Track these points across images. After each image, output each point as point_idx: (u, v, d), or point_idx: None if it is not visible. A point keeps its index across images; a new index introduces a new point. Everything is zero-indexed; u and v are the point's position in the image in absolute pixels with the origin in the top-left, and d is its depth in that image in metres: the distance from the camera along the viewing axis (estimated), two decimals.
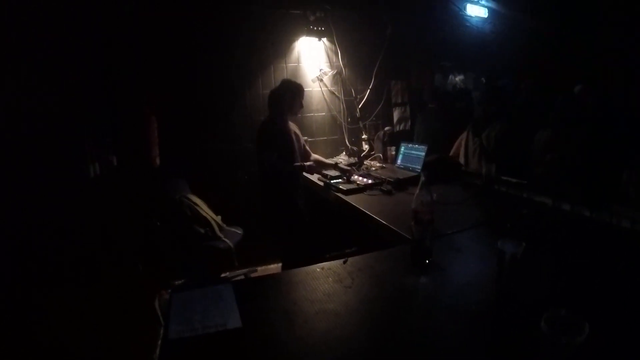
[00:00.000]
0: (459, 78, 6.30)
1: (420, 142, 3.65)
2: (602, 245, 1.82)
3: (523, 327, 1.15)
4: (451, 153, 3.85)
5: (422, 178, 1.57)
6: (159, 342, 1.23)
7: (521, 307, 1.27)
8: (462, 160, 3.60)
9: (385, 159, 4.07)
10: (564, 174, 2.76)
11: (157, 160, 3.56)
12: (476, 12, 5.11)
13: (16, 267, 1.80)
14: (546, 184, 2.57)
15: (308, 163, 3.51)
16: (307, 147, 3.72)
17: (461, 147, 3.78)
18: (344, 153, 4.42)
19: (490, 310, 1.30)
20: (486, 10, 5.19)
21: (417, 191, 1.57)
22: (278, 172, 3.24)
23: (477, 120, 3.55)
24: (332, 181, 3.26)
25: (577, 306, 0.96)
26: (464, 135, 3.78)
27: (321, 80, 4.39)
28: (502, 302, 1.30)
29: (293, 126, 3.50)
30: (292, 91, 3.37)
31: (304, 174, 3.60)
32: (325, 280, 1.53)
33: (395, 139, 4.13)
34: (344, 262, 1.68)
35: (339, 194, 3.01)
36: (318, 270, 1.63)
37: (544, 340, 0.93)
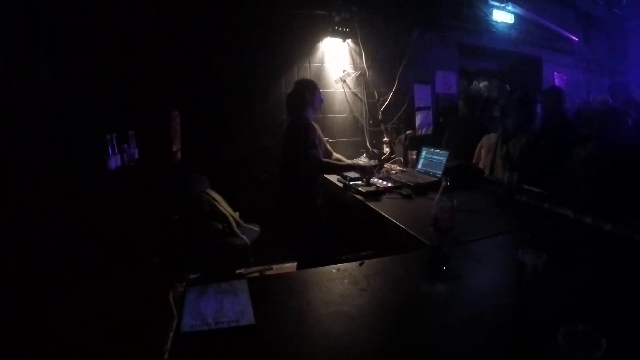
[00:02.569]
0: (483, 84, 6.24)
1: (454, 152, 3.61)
2: (623, 261, 1.77)
3: (539, 340, 1.13)
4: (474, 160, 3.81)
5: (444, 183, 1.55)
6: (171, 334, 1.23)
7: (538, 320, 1.24)
8: (486, 167, 3.56)
9: (405, 163, 4.04)
10: (606, 189, 2.67)
11: (178, 155, 3.59)
12: (502, 17, 5.06)
13: (35, 258, 1.83)
14: (592, 201, 2.48)
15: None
16: (329, 146, 3.72)
17: (481, 153, 3.74)
18: (365, 155, 4.40)
19: (506, 321, 1.27)
20: (512, 16, 5.12)
21: (438, 196, 1.55)
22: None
23: (507, 129, 3.49)
24: (351, 182, 3.25)
25: (595, 321, 0.94)
26: (487, 142, 3.73)
27: (344, 81, 4.39)
28: (519, 313, 1.28)
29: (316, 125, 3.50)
30: (309, 88, 3.37)
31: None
32: (341, 282, 1.52)
33: (416, 143, 4.10)
34: (360, 265, 1.67)
35: (358, 196, 2.99)
36: (334, 271, 1.63)
37: (561, 355, 0.91)
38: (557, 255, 1.46)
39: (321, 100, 3.49)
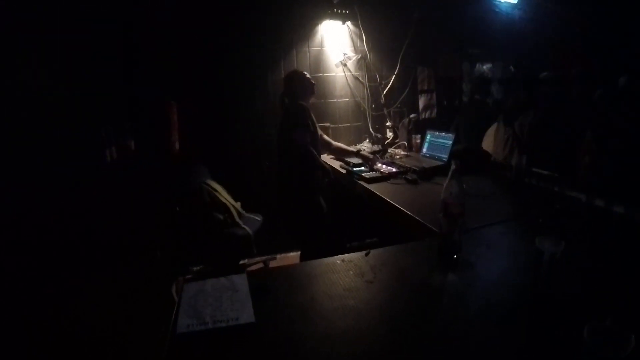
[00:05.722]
0: (486, 66, 6.11)
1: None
2: None
3: (562, 335, 1.05)
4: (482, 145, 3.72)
5: (453, 167, 1.46)
6: (170, 330, 1.17)
7: (560, 313, 1.16)
8: (490, 151, 3.47)
9: (410, 147, 3.95)
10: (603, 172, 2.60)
11: (177, 145, 3.52)
12: None
13: (33, 254, 1.77)
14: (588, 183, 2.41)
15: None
16: (325, 137, 3.60)
17: (490, 137, 3.64)
18: (367, 140, 4.32)
19: (524, 314, 1.19)
20: None
21: (447, 181, 1.46)
22: (307, 155, 3.00)
23: (509, 110, 3.40)
24: (354, 169, 3.16)
25: (621, 315, 0.88)
26: (494, 126, 3.63)
27: (345, 65, 4.28)
28: (538, 306, 1.20)
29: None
30: (293, 79, 3.23)
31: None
32: (346, 274, 1.44)
33: (420, 127, 4.00)
34: (366, 255, 1.59)
35: (362, 182, 2.91)
36: (338, 262, 1.55)
37: (586, 353, 0.84)
38: (573, 241, 1.38)
39: (311, 84, 3.25)
